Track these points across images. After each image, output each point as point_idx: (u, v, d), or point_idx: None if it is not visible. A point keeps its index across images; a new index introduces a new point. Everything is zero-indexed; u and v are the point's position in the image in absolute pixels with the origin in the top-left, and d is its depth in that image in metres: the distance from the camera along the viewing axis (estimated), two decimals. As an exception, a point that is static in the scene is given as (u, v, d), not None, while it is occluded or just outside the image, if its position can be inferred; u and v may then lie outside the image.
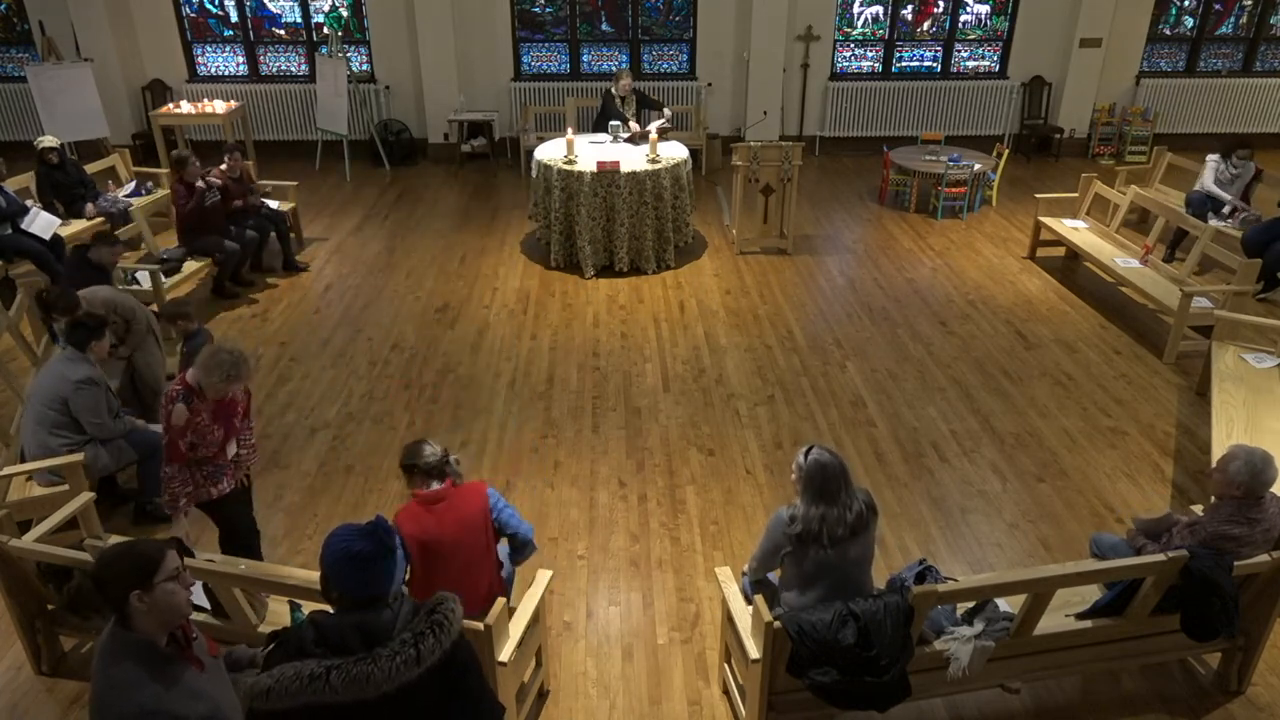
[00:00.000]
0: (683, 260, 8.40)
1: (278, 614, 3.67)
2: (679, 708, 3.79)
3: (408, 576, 3.24)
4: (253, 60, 11.45)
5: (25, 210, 7.33)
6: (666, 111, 9.01)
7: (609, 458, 5.48)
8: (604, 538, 4.80)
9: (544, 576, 3.68)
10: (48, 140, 7.98)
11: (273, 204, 8.24)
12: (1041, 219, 8.23)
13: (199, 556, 3.57)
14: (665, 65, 11.58)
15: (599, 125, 8.96)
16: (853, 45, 11.59)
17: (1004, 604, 3.60)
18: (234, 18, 11.20)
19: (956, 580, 3.61)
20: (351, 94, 10.67)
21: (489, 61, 11.20)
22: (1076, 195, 8.29)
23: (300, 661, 2.26)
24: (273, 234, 8.06)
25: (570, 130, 8.42)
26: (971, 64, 11.72)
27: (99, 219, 7.88)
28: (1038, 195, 8.33)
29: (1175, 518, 3.80)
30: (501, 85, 11.34)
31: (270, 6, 11.24)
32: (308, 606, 3.37)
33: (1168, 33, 11.65)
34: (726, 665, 3.80)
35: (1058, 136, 11.53)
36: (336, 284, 7.94)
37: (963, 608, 3.59)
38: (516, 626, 3.40)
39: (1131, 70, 11.64)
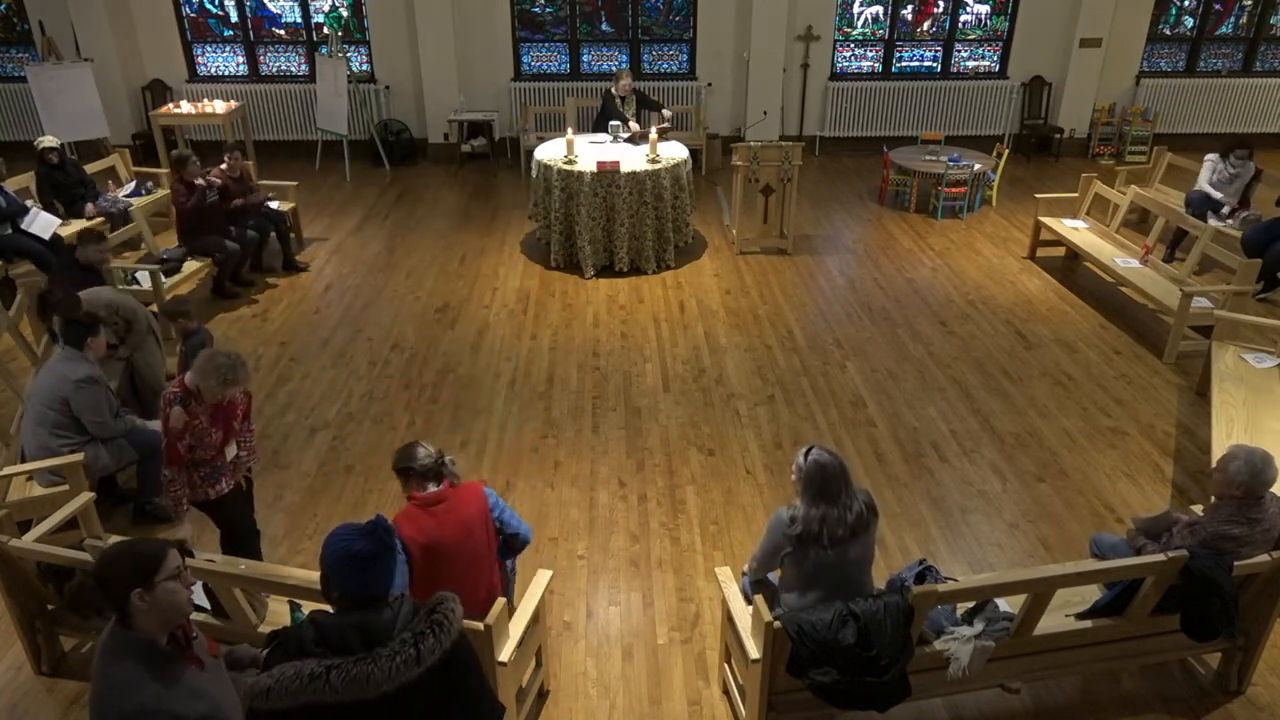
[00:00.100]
0: (683, 260, 8.40)
1: (278, 614, 3.68)
2: (679, 708, 3.79)
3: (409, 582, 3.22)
4: (253, 60, 11.45)
5: (25, 210, 7.33)
6: (666, 112, 9.01)
7: (609, 458, 5.48)
8: (604, 538, 4.80)
9: (544, 576, 3.68)
10: (48, 140, 7.98)
11: (273, 204, 8.25)
12: (1041, 219, 8.23)
13: (199, 556, 3.57)
14: (665, 65, 11.58)
15: (599, 125, 8.97)
16: (853, 45, 11.59)
17: (1004, 604, 3.60)
18: (234, 18, 11.20)
19: (956, 580, 3.61)
20: (351, 94, 10.67)
21: (489, 61, 11.20)
22: (1076, 195, 8.29)
23: (300, 661, 2.26)
24: (273, 234, 8.06)
25: (570, 130, 8.42)
26: (971, 64, 11.72)
27: (99, 219, 7.88)
28: (1038, 195, 8.34)
29: (1175, 516, 3.80)
30: (501, 85, 11.34)
31: (270, 6, 11.24)
32: (308, 606, 3.37)
33: (1168, 33, 11.65)
34: (726, 665, 3.80)
35: (1058, 136, 11.53)
36: (336, 284, 7.95)
37: (963, 608, 3.59)
38: (516, 626, 3.40)
39: (1131, 70, 11.64)
